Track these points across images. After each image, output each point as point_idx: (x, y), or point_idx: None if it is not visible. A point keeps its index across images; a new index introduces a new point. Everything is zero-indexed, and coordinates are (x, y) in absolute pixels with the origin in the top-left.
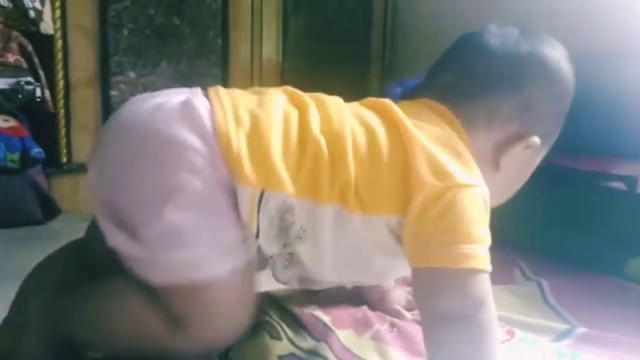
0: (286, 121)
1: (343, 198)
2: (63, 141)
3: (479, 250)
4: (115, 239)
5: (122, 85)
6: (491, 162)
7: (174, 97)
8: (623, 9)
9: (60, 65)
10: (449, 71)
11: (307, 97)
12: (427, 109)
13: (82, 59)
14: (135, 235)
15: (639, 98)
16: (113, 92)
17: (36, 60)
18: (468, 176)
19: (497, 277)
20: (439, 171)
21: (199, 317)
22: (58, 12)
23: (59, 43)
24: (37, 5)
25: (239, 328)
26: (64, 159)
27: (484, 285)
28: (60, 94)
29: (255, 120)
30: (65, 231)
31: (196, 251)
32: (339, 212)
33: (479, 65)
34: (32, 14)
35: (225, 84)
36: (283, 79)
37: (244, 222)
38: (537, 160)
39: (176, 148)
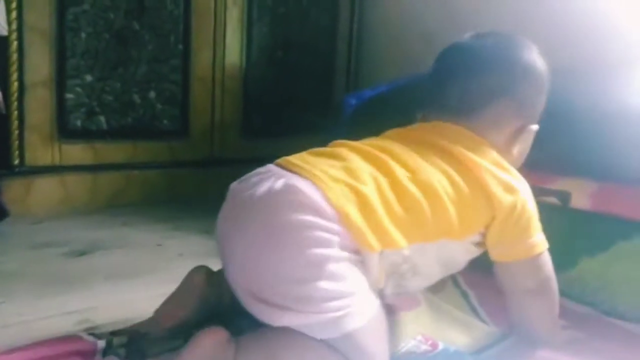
0: (378, 185)
1: (446, 234)
2: (15, 143)
3: (540, 236)
4: (276, 318)
5: (78, 89)
6: (505, 151)
7: (273, 181)
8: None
9: (14, 67)
10: (450, 93)
11: (380, 153)
12: (451, 131)
13: (38, 61)
14: (291, 307)
15: (574, 114)
16: (69, 95)
17: None
18: (519, 182)
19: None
20: (507, 188)
21: (361, 355)
22: (14, 14)
23: (14, 44)
24: None
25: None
26: (16, 161)
27: (548, 262)
28: (14, 96)
29: (357, 193)
30: (11, 234)
31: (350, 307)
32: (442, 243)
33: (475, 83)
34: None
35: (186, 89)
36: (246, 86)
37: (374, 279)
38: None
39: (307, 230)
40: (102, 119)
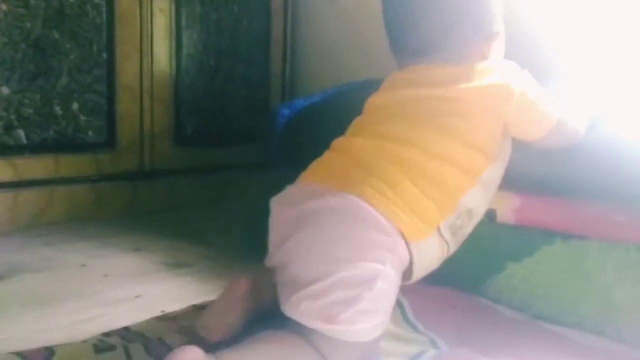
0: (410, 177)
1: (481, 169)
2: None
3: (549, 106)
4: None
5: None
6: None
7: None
8: None
9: None
10: (406, 40)
11: (390, 143)
12: (427, 73)
13: None
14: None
15: None
16: None
17: None
18: (508, 74)
19: None
20: (504, 91)
21: None
22: None
23: None
24: None
25: None
26: None
27: (567, 121)
28: None
29: (401, 195)
30: None
31: (372, 325)
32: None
33: (424, 27)
34: None
35: (112, 99)
36: (177, 95)
37: (442, 250)
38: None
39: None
40: (21, 133)
